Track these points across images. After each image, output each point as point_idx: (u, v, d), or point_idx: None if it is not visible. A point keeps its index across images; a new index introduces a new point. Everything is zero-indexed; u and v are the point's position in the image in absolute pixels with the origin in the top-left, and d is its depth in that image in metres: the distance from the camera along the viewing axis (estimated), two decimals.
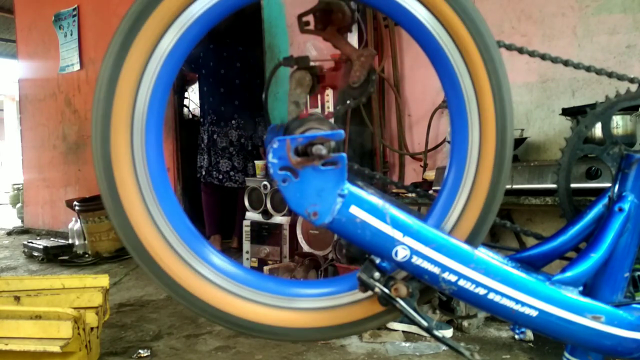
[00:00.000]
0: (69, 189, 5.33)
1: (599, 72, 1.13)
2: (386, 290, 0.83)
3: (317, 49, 3.13)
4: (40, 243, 4.46)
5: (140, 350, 2.21)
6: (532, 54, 1.12)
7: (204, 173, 4.07)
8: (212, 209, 4.17)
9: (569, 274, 0.92)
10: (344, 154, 0.80)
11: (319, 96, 2.94)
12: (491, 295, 0.86)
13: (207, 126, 4.06)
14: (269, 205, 3.35)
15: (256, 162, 3.66)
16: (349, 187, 0.81)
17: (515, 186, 2.21)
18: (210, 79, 4.08)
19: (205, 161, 4.06)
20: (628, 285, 0.98)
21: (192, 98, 5.24)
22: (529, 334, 2.14)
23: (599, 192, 1.03)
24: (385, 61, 3.17)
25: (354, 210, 0.82)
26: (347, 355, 2.11)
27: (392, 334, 2.27)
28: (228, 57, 4.07)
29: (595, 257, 0.94)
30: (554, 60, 1.11)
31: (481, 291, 0.85)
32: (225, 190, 4.11)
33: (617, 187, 1.01)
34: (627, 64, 2.44)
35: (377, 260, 0.85)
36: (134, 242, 0.83)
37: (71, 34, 5.18)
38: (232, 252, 4.03)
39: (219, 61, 4.05)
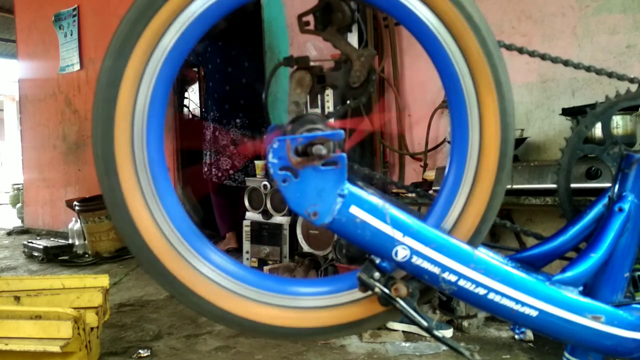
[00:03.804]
0: (69, 189, 5.32)
1: (599, 72, 1.13)
2: (386, 290, 0.83)
3: (317, 49, 3.12)
4: (40, 243, 4.45)
5: (140, 350, 2.21)
6: (532, 54, 1.12)
7: (206, 170, 4.05)
8: (222, 208, 4.13)
9: (569, 274, 0.92)
10: (344, 154, 0.80)
11: (319, 96, 2.94)
12: (491, 295, 0.86)
13: (210, 122, 4.04)
14: (269, 205, 3.35)
15: (256, 162, 3.66)
16: (349, 187, 0.81)
17: (515, 186, 2.21)
18: (216, 75, 4.05)
19: (207, 157, 4.06)
20: (628, 285, 0.98)
21: (192, 98, 5.23)
22: (529, 334, 2.14)
23: (599, 192, 1.03)
24: (385, 61, 3.17)
25: (354, 210, 0.82)
26: (347, 355, 2.11)
27: (392, 334, 2.27)
28: (236, 56, 4.03)
29: (595, 257, 0.94)
30: (554, 60, 1.11)
31: (481, 291, 0.85)
32: (230, 188, 4.09)
33: (617, 187, 1.01)
34: (627, 64, 2.44)
35: (377, 260, 0.85)
36: (136, 240, 0.83)
37: (71, 34, 5.18)
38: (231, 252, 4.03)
39: (226, 59, 4.01)
